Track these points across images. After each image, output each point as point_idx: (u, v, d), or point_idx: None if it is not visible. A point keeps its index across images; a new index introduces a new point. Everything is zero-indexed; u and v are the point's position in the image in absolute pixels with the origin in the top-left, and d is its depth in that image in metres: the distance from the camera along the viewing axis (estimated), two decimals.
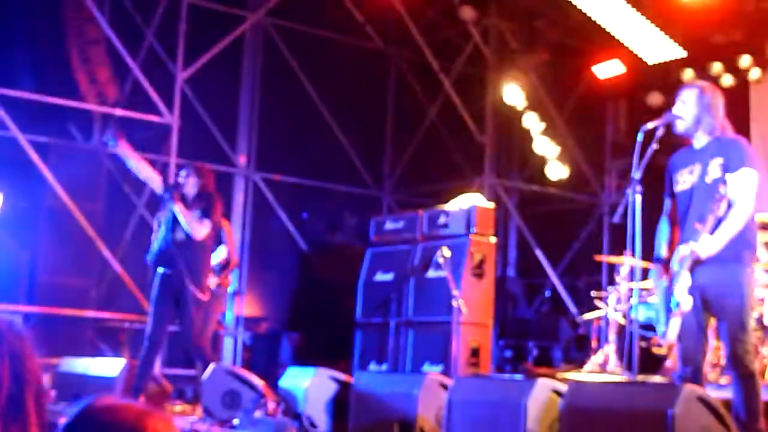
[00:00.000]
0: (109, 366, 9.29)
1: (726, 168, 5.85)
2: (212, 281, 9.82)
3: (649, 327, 9.29)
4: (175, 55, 12.81)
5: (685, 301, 5.79)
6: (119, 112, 12.77)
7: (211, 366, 8.97)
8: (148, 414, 2.38)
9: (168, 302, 8.91)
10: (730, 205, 5.77)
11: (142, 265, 10.83)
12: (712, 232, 5.70)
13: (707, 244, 5.66)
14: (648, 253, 6.41)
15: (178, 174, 9.64)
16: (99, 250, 12.32)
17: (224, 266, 9.99)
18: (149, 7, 13.60)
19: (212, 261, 9.76)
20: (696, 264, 5.75)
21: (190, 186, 9.15)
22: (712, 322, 6.04)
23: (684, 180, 6.04)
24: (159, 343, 8.98)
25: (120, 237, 13.30)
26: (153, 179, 9.08)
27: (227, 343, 14.30)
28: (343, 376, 8.23)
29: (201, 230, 8.78)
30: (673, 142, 6.22)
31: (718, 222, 5.72)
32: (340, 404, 7.94)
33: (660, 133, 6.11)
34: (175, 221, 8.81)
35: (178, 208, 8.63)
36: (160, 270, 8.94)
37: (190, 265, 8.78)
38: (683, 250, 5.83)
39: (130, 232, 13.37)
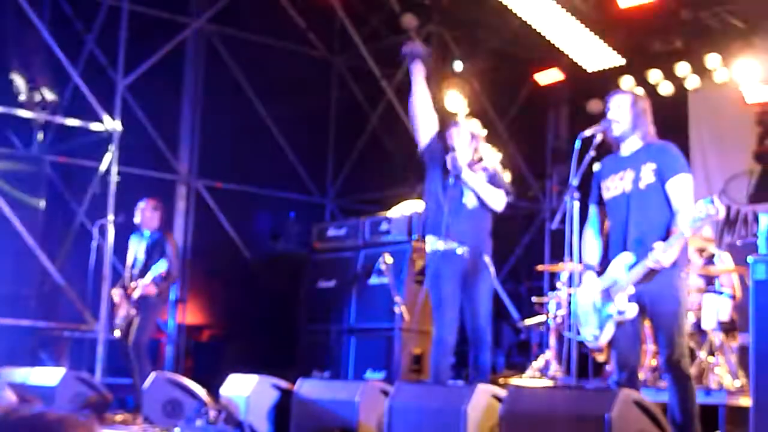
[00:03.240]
0: (49, 375, 9.21)
1: (660, 173, 5.91)
2: (153, 288, 9.81)
3: None
4: (116, 61, 12.72)
5: (630, 308, 5.85)
6: (59, 119, 12.68)
7: (152, 375, 8.95)
8: (66, 421, 2.36)
9: None
10: (672, 213, 5.84)
11: (83, 273, 10.78)
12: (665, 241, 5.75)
13: (669, 254, 5.70)
14: None
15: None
16: (38, 258, 12.20)
17: (164, 278, 9.96)
18: (90, 13, 13.49)
19: (153, 273, 9.76)
20: (647, 275, 5.80)
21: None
22: (647, 326, 6.11)
23: (615, 186, 6.09)
24: None
25: (60, 245, 13.18)
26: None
27: (169, 352, 14.22)
28: (285, 384, 8.22)
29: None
30: (611, 149, 6.29)
31: (666, 232, 5.78)
32: (282, 412, 7.94)
33: (597, 140, 6.17)
34: None
35: None
36: None
37: None
38: (627, 258, 5.88)
39: (71, 240, 13.25)
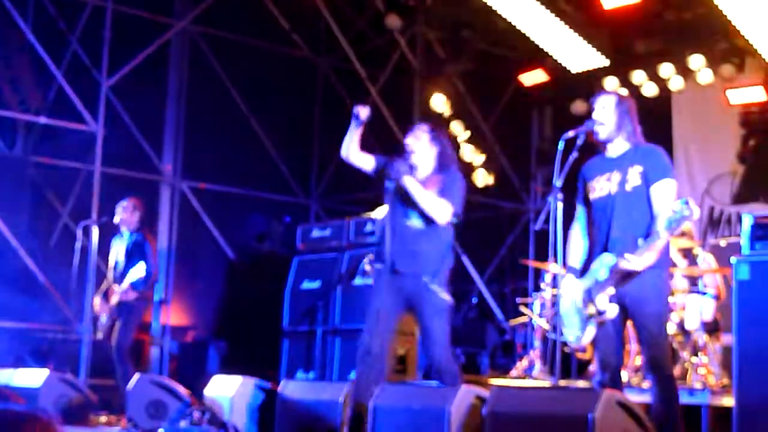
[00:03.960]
0: (33, 377, 9.19)
1: (646, 176, 5.92)
2: (132, 294, 9.79)
3: None
4: (100, 62, 12.69)
5: (610, 309, 5.86)
6: (43, 120, 12.65)
7: (136, 376, 8.93)
8: (27, 417, 2.36)
9: None
10: (653, 217, 5.85)
11: (67, 274, 10.75)
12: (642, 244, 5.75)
13: (644, 258, 5.71)
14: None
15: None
16: (22, 259, 12.18)
17: (144, 281, 9.91)
18: (73, 14, 13.46)
19: (129, 278, 9.74)
20: (627, 276, 5.80)
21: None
22: (630, 326, 6.13)
23: (601, 187, 6.10)
24: None
25: (44, 246, 13.14)
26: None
27: (153, 353, 14.20)
28: (269, 385, 8.22)
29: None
30: (595, 150, 6.30)
31: (647, 234, 5.79)
32: (266, 413, 7.93)
33: (581, 141, 6.18)
34: None
35: None
36: None
37: None
38: (608, 259, 5.89)
39: (54, 242, 13.22)
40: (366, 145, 7.19)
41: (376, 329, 6.80)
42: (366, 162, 7.10)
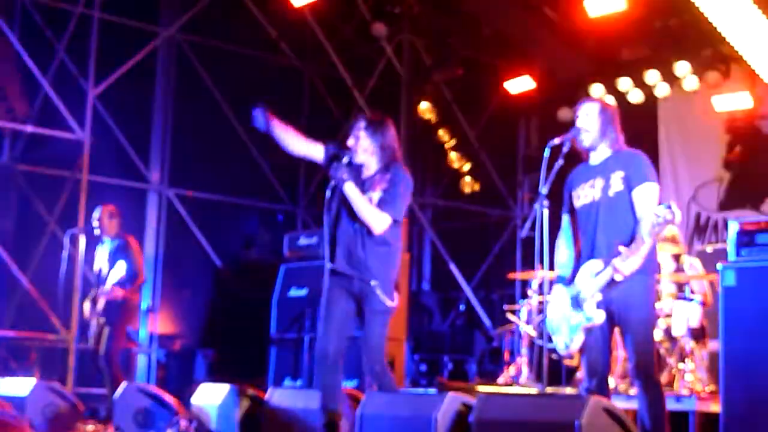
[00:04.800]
0: (20, 385, 9.17)
1: (628, 181, 5.95)
2: (117, 292, 9.78)
3: None
4: (87, 70, 12.68)
5: (597, 315, 5.87)
6: (29, 128, 12.64)
7: (123, 384, 8.92)
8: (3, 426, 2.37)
9: None
10: (636, 221, 5.87)
11: (54, 283, 10.73)
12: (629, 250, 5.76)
13: (630, 263, 5.73)
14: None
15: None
16: (9, 267, 12.15)
17: (129, 279, 9.89)
18: (60, 22, 13.44)
19: (112, 278, 9.74)
20: (614, 282, 5.82)
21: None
22: (616, 332, 6.14)
23: (585, 195, 6.11)
24: None
25: (31, 255, 13.12)
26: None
27: (141, 361, 14.18)
28: (256, 393, 8.21)
29: None
30: (580, 158, 6.32)
31: (632, 239, 5.80)
32: (253, 421, 7.92)
33: (566, 148, 6.20)
34: None
35: None
36: None
37: None
38: (594, 265, 5.91)
39: (42, 250, 13.20)
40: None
41: (330, 332, 6.61)
42: (315, 151, 6.89)
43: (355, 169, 6.68)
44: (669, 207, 5.50)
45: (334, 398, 6.59)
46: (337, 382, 6.65)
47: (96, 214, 10.21)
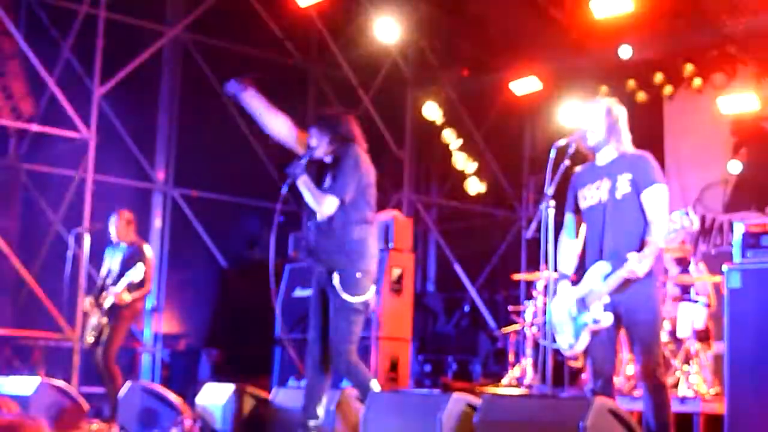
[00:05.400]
0: (24, 384, 9.16)
1: (635, 183, 5.93)
2: (126, 296, 9.75)
3: None
4: (93, 69, 12.68)
5: (605, 317, 5.86)
6: (35, 127, 12.64)
7: (128, 383, 8.91)
8: (15, 424, 2.37)
9: None
10: (647, 223, 5.85)
11: (58, 282, 10.73)
12: (639, 251, 5.75)
13: (643, 264, 5.71)
14: None
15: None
16: (14, 267, 12.16)
17: (138, 286, 9.85)
18: (66, 21, 13.44)
19: (127, 279, 9.72)
20: (621, 284, 5.81)
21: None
22: (622, 334, 6.13)
23: (591, 196, 6.10)
24: None
25: (36, 253, 13.13)
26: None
27: (145, 361, 14.18)
28: (260, 393, 8.21)
29: None
30: (586, 158, 6.30)
31: (641, 241, 5.79)
32: (258, 421, 7.92)
33: (571, 149, 6.19)
34: None
35: None
36: None
37: None
38: (603, 267, 5.89)
39: (46, 249, 13.20)
40: None
41: (313, 334, 6.73)
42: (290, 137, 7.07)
43: (319, 165, 6.89)
44: (687, 214, 5.49)
45: (315, 400, 6.69)
46: (320, 383, 6.73)
47: (113, 219, 10.13)
